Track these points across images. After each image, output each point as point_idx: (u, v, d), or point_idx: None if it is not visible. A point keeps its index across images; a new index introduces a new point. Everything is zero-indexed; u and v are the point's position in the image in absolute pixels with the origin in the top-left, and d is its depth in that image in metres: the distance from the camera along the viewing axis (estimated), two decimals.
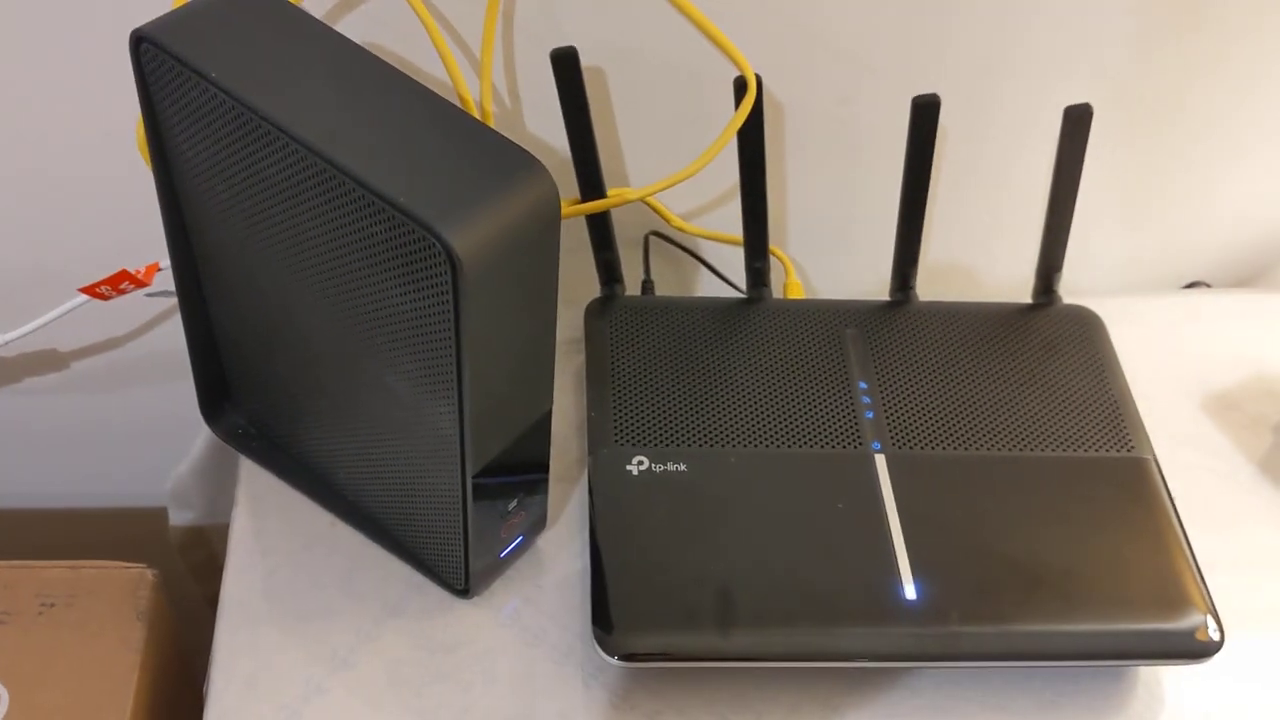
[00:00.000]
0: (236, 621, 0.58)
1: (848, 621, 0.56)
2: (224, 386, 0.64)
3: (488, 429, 0.50)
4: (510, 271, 0.45)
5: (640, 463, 0.60)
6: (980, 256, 0.79)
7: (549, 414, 0.54)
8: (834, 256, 0.77)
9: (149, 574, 0.62)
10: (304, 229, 0.48)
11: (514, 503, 0.56)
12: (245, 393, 0.63)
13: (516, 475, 0.55)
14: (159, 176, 0.53)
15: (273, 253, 0.50)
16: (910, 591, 0.56)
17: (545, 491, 0.58)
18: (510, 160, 0.44)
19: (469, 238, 0.42)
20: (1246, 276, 0.82)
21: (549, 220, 0.45)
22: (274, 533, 0.62)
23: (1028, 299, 0.70)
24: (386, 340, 0.48)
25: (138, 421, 0.80)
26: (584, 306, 0.68)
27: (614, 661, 0.54)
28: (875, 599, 0.56)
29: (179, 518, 0.79)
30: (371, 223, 0.44)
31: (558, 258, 0.47)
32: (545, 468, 0.57)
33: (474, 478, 0.51)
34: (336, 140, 0.44)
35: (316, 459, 0.61)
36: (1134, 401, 0.65)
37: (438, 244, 0.42)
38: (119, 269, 0.62)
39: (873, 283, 0.71)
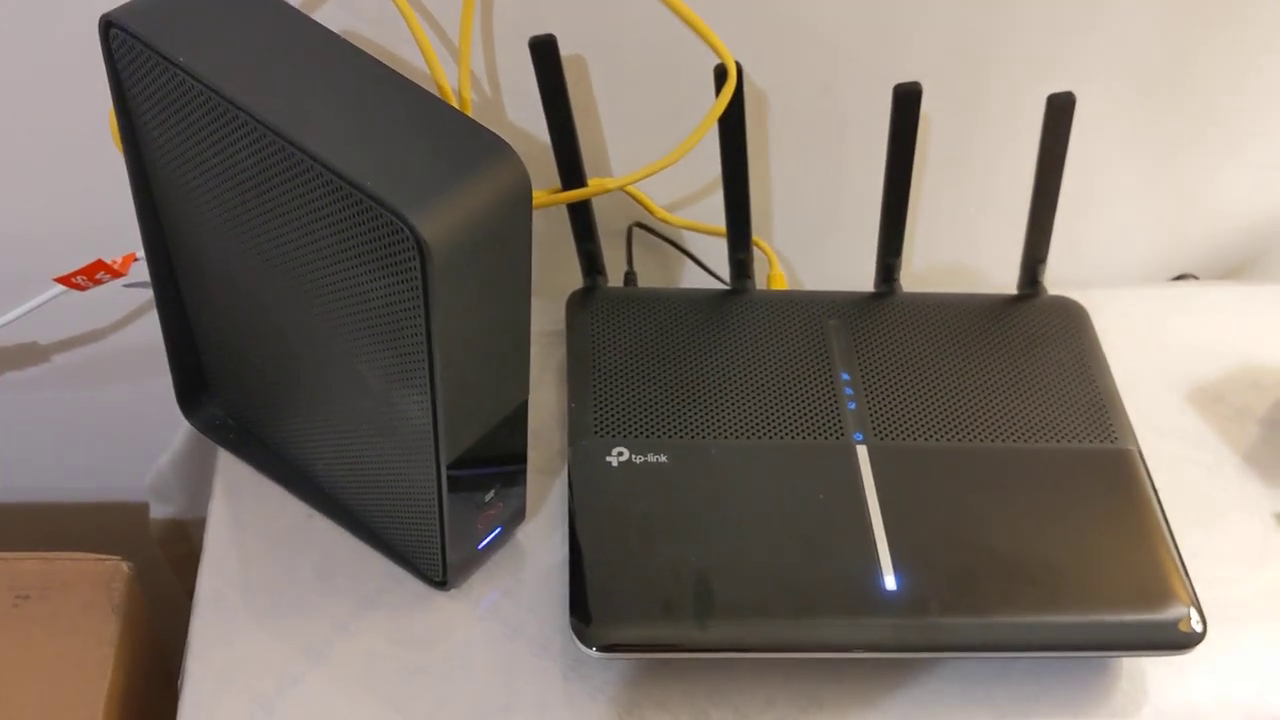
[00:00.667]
0: (212, 613, 0.58)
1: (827, 612, 0.55)
2: (201, 378, 0.63)
3: (461, 419, 0.49)
4: (480, 257, 0.44)
5: (620, 454, 0.60)
6: (964, 247, 0.78)
7: (525, 404, 0.53)
8: (817, 248, 0.76)
9: (124, 566, 0.62)
10: (274, 216, 0.47)
11: (491, 494, 0.55)
12: (222, 384, 0.62)
13: (493, 466, 0.54)
14: (131, 164, 0.52)
15: (245, 241, 0.50)
16: (890, 582, 0.56)
17: (523, 483, 0.58)
18: (480, 145, 0.44)
19: (437, 223, 0.42)
20: (1233, 269, 0.82)
21: (519, 204, 0.44)
22: (251, 525, 0.61)
23: (1013, 290, 0.70)
24: (357, 329, 0.48)
25: (118, 415, 0.80)
26: (565, 298, 0.67)
27: (592, 653, 0.54)
28: (855, 590, 0.55)
29: (159, 511, 0.79)
30: (340, 208, 0.44)
31: (529, 243, 0.46)
32: (523, 459, 0.56)
33: (448, 468, 0.50)
34: (305, 125, 0.44)
35: (294, 451, 0.61)
36: (1118, 393, 0.65)
37: (405, 229, 0.41)
38: (95, 259, 0.62)
39: (856, 274, 0.70)
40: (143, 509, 0.80)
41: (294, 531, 0.61)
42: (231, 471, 0.63)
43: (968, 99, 0.70)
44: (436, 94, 0.52)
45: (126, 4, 0.48)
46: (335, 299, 0.48)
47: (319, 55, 0.47)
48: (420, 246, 0.41)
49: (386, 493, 0.56)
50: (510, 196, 0.44)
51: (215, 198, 0.49)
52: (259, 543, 0.61)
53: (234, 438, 0.63)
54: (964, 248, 0.79)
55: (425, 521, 0.54)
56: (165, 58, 0.46)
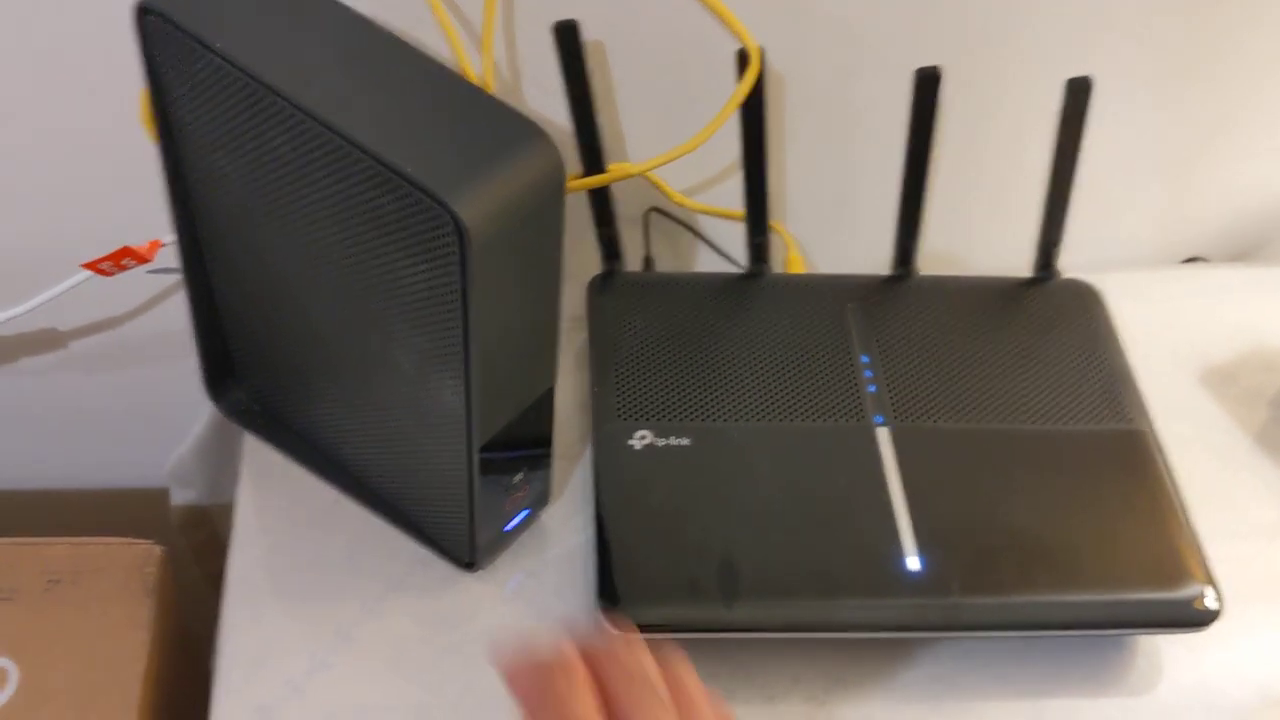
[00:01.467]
0: (241, 598, 0.59)
1: (851, 593, 0.56)
2: (228, 363, 0.64)
3: (493, 403, 0.50)
4: (517, 242, 0.45)
5: (643, 437, 0.60)
6: (979, 231, 0.79)
7: (552, 389, 0.54)
8: (834, 232, 0.77)
9: (157, 550, 0.62)
10: (311, 202, 0.48)
11: (518, 477, 0.56)
12: (249, 369, 0.63)
13: (521, 450, 0.55)
14: (163, 150, 0.53)
15: (279, 226, 0.50)
16: (913, 563, 0.56)
17: (549, 466, 0.59)
18: (517, 131, 0.45)
19: (477, 207, 0.42)
20: (1244, 251, 0.83)
21: (555, 190, 0.45)
22: (278, 509, 0.62)
23: (1027, 274, 0.71)
24: (393, 314, 0.48)
25: (138, 401, 0.80)
26: (585, 283, 0.68)
27: (619, 634, 0.55)
28: (878, 570, 0.56)
29: (180, 497, 0.79)
30: (379, 194, 0.44)
31: (563, 228, 0.47)
32: (549, 442, 0.57)
33: (479, 452, 0.51)
34: (344, 112, 0.44)
35: (321, 435, 0.61)
36: (1132, 375, 0.66)
37: (446, 214, 0.42)
38: (120, 245, 0.62)
39: (873, 258, 0.71)
40: (163, 495, 0.80)
41: (322, 515, 0.62)
42: (258, 456, 0.64)
43: (982, 84, 0.70)
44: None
45: None
46: (371, 284, 0.48)
47: (352, 40, 0.48)
48: (461, 232, 0.42)
49: (415, 475, 0.57)
50: (546, 182, 0.44)
51: (250, 184, 0.50)
52: (287, 526, 0.61)
53: (261, 423, 0.64)
54: (978, 231, 0.79)
55: (454, 504, 0.55)
56: (203, 43, 0.46)
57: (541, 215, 0.45)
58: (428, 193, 0.42)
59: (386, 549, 0.60)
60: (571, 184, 0.65)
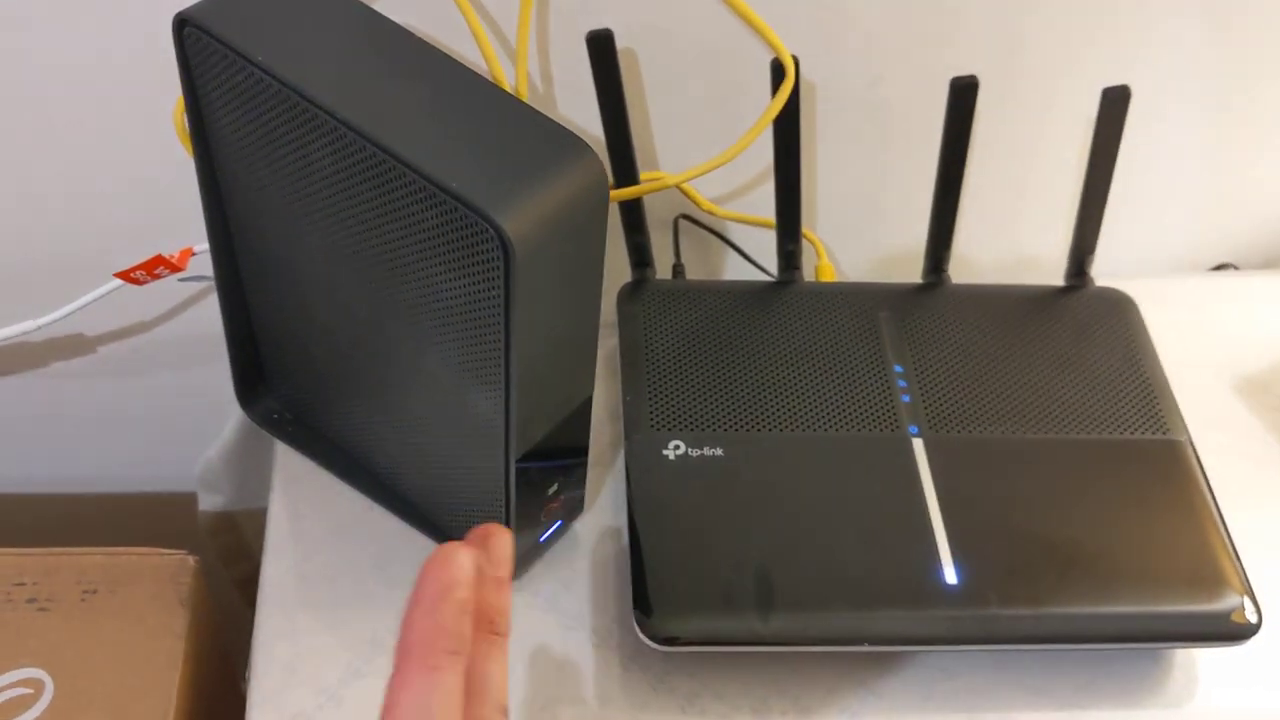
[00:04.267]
0: (275, 607, 0.59)
1: (886, 605, 0.56)
2: (259, 371, 0.64)
3: (532, 414, 0.50)
4: (560, 256, 0.44)
5: (677, 447, 0.60)
6: (1010, 239, 0.79)
7: (590, 399, 0.54)
8: (865, 239, 0.77)
9: (190, 560, 0.62)
10: (350, 214, 0.47)
11: (554, 487, 0.56)
12: (281, 377, 0.63)
13: (558, 460, 0.55)
14: (199, 161, 0.53)
15: (316, 237, 0.50)
16: (950, 575, 0.56)
17: (584, 477, 0.58)
18: (559, 144, 0.44)
19: (521, 221, 0.42)
20: (1275, 258, 0.82)
21: (598, 204, 0.45)
22: (310, 518, 0.62)
23: (1057, 282, 0.70)
24: (432, 325, 0.48)
25: (166, 406, 0.80)
26: (615, 291, 0.68)
27: (654, 646, 0.55)
28: (914, 583, 0.56)
29: (208, 502, 0.79)
30: (422, 207, 0.44)
31: (604, 242, 0.47)
32: (585, 452, 0.57)
33: (517, 463, 0.51)
34: (385, 124, 0.44)
35: (353, 444, 0.61)
36: (1168, 384, 0.65)
37: (490, 228, 0.42)
38: (153, 254, 0.62)
39: (904, 266, 0.71)
40: (190, 500, 0.80)
41: (354, 523, 0.61)
42: (289, 464, 0.64)
43: (1012, 92, 0.70)
44: None
45: (200, 2, 0.48)
46: (410, 296, 0.48)
47: (391, 51, 0.48)
48: (505, 246, 0.42)
49: (450, 485, 0.57)
50: (589, 196, 0.44)
51: (288, 196, 0.50)
52: (319, 535, 0.61)
53: (292, 430, 0.64)
54: (1003, 240, 0.79)
55: (489, 514, 0.55)
56: (244, 56, 0.46)
57: (584, 228, 0.45)
58: (473, 208, 0.42)
59: (419, 558, 0.60)
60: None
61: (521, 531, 0.56)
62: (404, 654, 0.35)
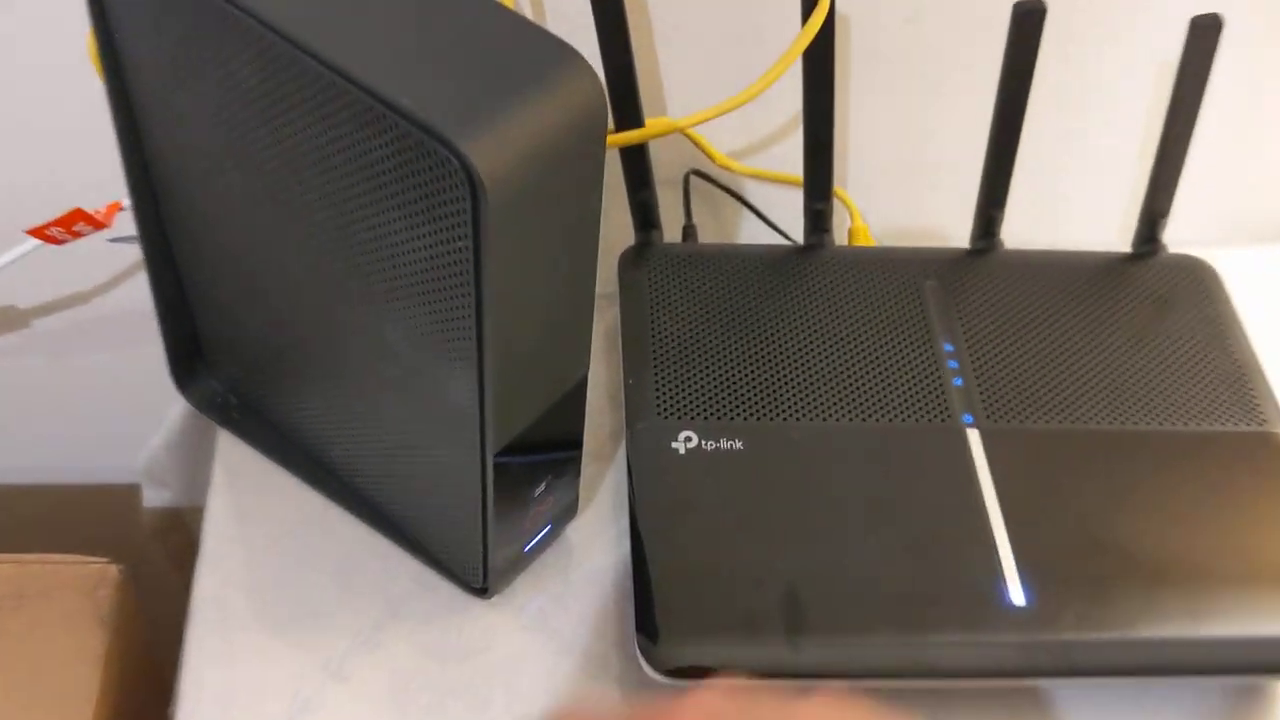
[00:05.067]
0: (211, 624, 0.49)
1: (940, 630, 0.46)
2: (198, 347, 0.54)
3: (513, 397, 0.41)
4: (545, 196, 0.35)
5: (688, 439, 0.51)
6: (1064, 199, 0.69)
7: (585, 380, 0.44)
8: (904, 199, 0.67)
9: (113, 570, 0.53)
10: (286, 147, 0.38)
11: (541, 486, 0.47)
12: (222, 354, 0.54)
13: (545, 453, 0.46)
14: (113, 93, 0.44)
15: (249, 179, 0.41)
16: (1016, 593, 0.47)
17: (577, 473, 0.49)
18: (544, 54, 0.35)
19: (494, 152, 0.33)
20: None
21: (594, 130, 0.35)
22: (256, 519, 0.53)
23: (1124, 249, 0.61)
24: (389, 288, 0.39)
25: (107, 387, 0.71)
26: (617, 255, 0.59)
27: (661, 678, 0.45)
28: (973, 603, 0.47)
29: (154, 498, 0.70)
30: (369, 135, 0.35)
31: (601, 180, 0.37)
32: (578, 444, 0.48)
33: (495, 457, 0.42)
34: (323, 31, 0.35)
35: (306, 432, 0.52)
36: (1261, 366, 0.56)
37: (454, 160, 0.32)
38: (73, 209, 0.53)
39: (948, 229, 0.61)
40: (134, 493, 0.71)
41: (307, 526, 0.52)
42: (233, 455, 0.55)
43: (1082, 28, 0.61)
44: None
45: None
46: (363, 251, 0.39)
47: None
48: (474, 183, 0.32)
49: (418, 484, 0.47)
50: (582, 119, 0.35)
51: (214, 129, 0.40)
52: (266, 540, 0.52)
53: (236, 416, 0.54)
54: (1060, 200, 0.69)
55: (464, 518, 0.46)
56: None
57: (577, 162, 0.36)
58: (431, 132, 0.33)
59: (384, 569, 0.51)
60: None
61: (503, 540, 0.47)
62: None
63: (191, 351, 0.54)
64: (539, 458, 0.45)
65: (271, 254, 0.44)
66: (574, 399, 0.44)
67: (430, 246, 0.36)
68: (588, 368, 0.44)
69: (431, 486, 0.46)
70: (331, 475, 0.52)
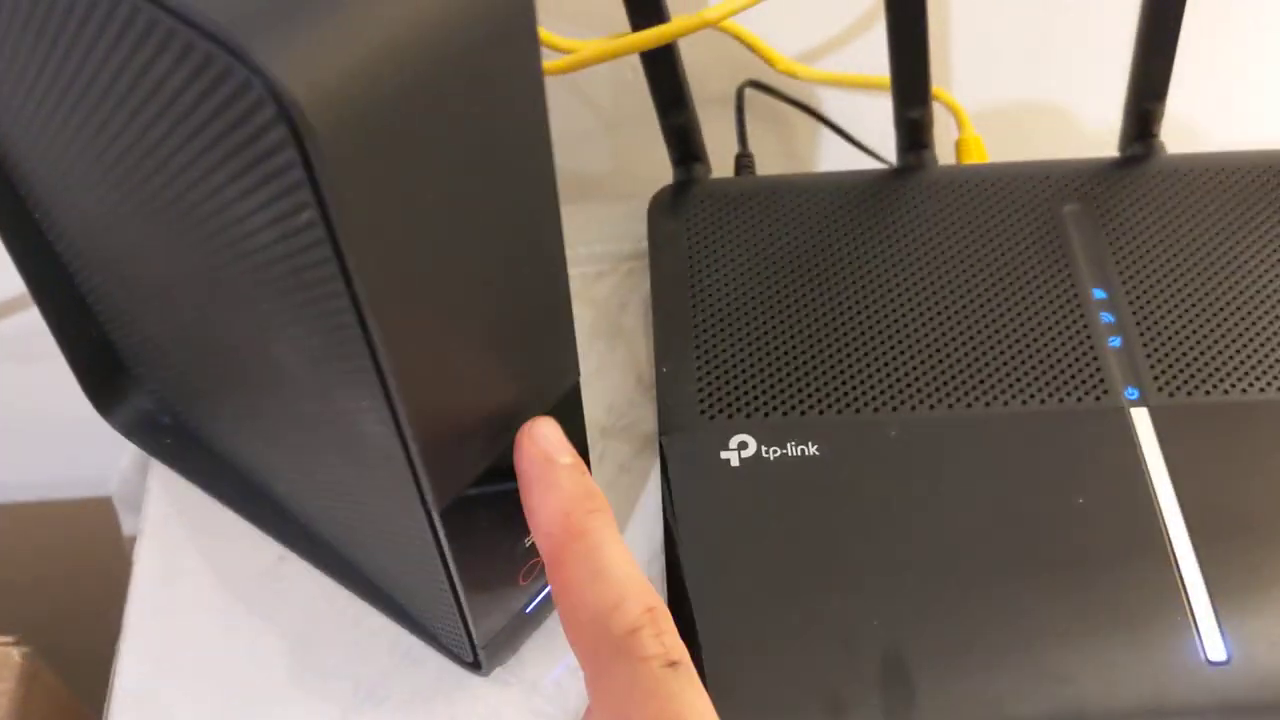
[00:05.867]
0: (132, 712, 0.38)
1: (1111, 700, 0.32)
2: (114, 360, 0.42)
3: (451, 428, 0.28)
4: (425, 121, 0.22)
5: (744, 445, 0.37)
6: (1228, 89, 0.53)
7: (576, 390, 0.31)
8: (1027, 99, 0.52)
9: (15, 654, 0.41)
10: (86, 86, 0.25)
11: (530, 538, 0.34)
12: (144, 368, 0.42)
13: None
14: None
15: (67, 144, 0.28)
16: (1213, 646, 0.33)
17: None
18: None
19: (316, 60, 0.19)
20: None
21: (504, 11, 0.22)
22: (195, 571, 0.41)
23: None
24: (251, 279, 0.26)
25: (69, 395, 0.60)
26: (647, 200, 0.45)
27: None
28: (1156, 659, 0.33)
29: (131, 525, 0.59)
30: (153, 53, 0.22)
31: (540, 95, 0.24)
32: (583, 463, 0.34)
33: (441, 516, 0.29)
34: None
35: (250, 467, 0.40)
36: None
37: (248, 76, 0.19)
38: None
39: (1088, 135, 0.47)
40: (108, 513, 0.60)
41: (258, 581, 0.40)
42: (169, 491, 0.43)
43: None
44: None
45: None
46: (206, 230, 0.26)
47: None
48: (286, 110, 0.19)
49: (370, 540, 0.35)
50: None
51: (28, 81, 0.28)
52: (207, 598, 0.40)
53: (169, 442, 0.43)
54: (1222, 90, 0.54)
55: (434, 582, 0.33)
56: None
57: (479, 61, 0.22)
58: (214, 37, 0.19)
59: (355, 637, 0.39)
60: (611, 44, 0.42)
61: (486, 607, 0.34)
62: (546, 537, 0.29)
63: (111, 366, 0.42)
64: (518, 506, 0.32)
65: (135, 247, 0.31)
66: (562, 416, 0.31)
67: (268, 213, 0.22)
68: (577, 375, 0.31)
69: (387, 544, 0.34)
70: (284, 517, 0.40)
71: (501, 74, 0.22)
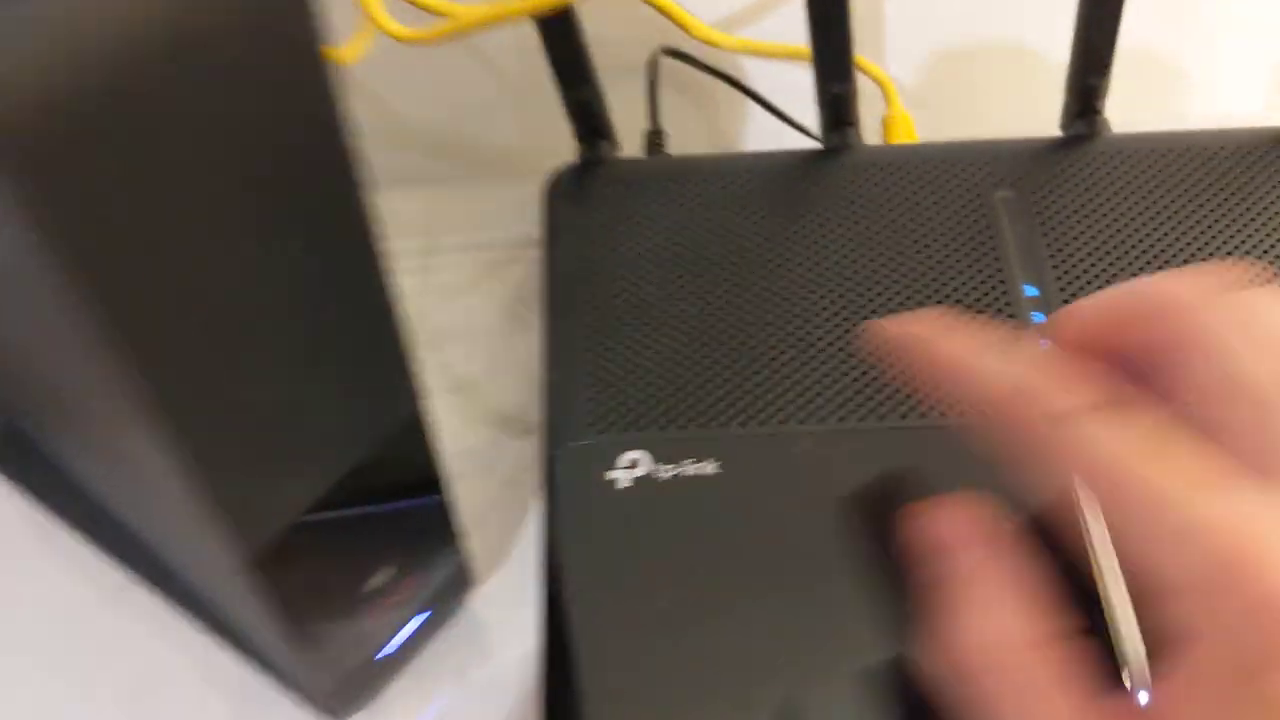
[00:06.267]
0: None
1: None
2: None
3: (249, 474, 0.23)
4: (151, 125, 0.17)
5: (632, 464, 0.33)
6: (1173, 59, 0.50)
7: (416, 419, 0.27)
8: (959, 74, 0.48)
9: None
10: None
11: (380, 574, 0.30)
12: None
13: (372, 531, 0.29)
14: None
15: None
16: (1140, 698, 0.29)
17: (448, 525, 0.32)
18: None
19: None
20: None
21: None
22: (24, 598, 0.37)
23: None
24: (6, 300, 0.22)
25: None
26: (541, 182, 0.41)
27: None
28: None
29: None
30: None
31: (325, 83, 0.20)
32: (435, 487, 0.30)
33: (251, 564, 0.25)
34: None
35: (89, 483, 0.36)
36: None
37: None
38: None
39: (1024, 115, 0.43)
40: None
41: (93, 614, 0.36)
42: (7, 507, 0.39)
43: None
44: None
45: None
46: None
47: None
48: None
49: (205, 574, 0.31)
50: None
51: None
52: (37, 630, 0.36)
53: (13, 454, 0.38)
54: (1167, 61, 0.50)
55: (268, 628, 0.29)
56: None
57: (225, 53, 0.18)
58: None
59: (204, 673, 0.35)
60: (507, 7, 0.37)
61: (325, 656, 0.30)
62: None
63: None
64: (359, 538, 0.28)
65: None
66: (404, 449, 0.27)
67: None
68: (414, 405, 0.26)
69: (218, 583, 0.30)
70: (127, 539, 0.36)
71: (264, 63, 0.18)
